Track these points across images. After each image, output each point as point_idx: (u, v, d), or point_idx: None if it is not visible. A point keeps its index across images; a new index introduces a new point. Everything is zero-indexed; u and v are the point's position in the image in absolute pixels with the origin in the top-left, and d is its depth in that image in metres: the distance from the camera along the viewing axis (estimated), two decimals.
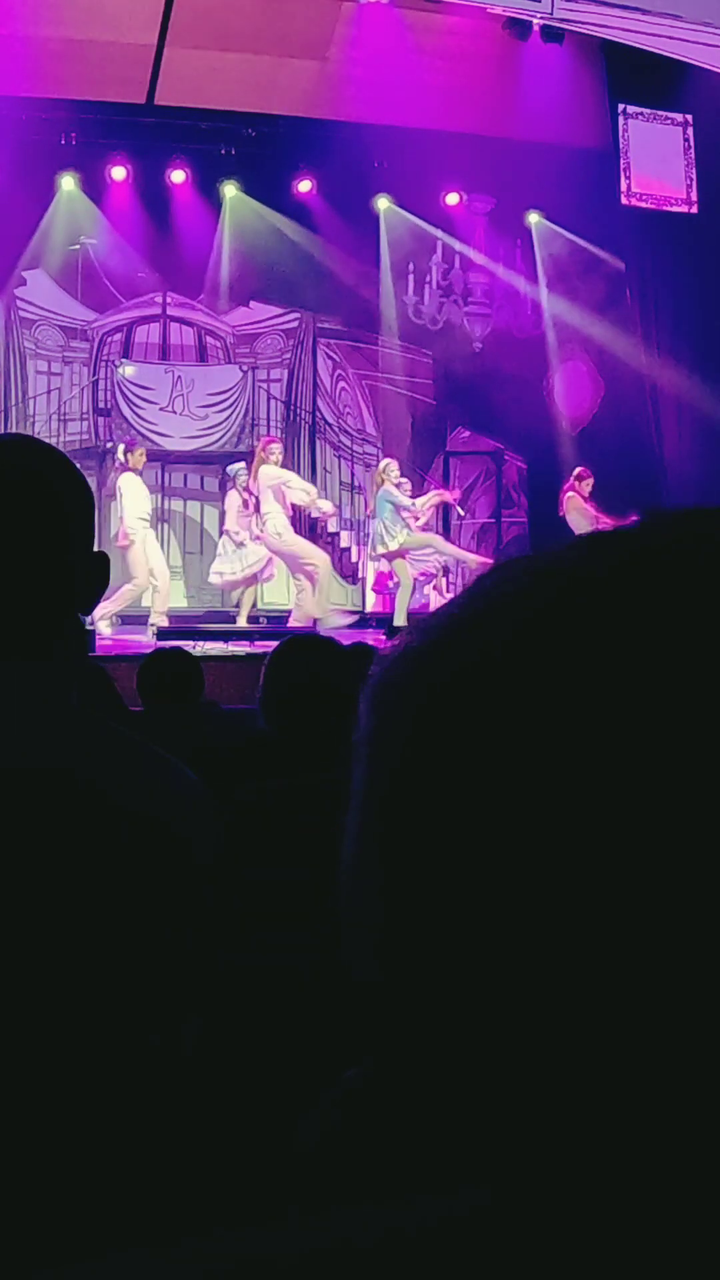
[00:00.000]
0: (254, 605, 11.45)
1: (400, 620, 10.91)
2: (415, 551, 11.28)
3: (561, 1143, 0.42)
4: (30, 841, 1.09)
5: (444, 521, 13.44)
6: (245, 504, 11.25)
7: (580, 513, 10.95)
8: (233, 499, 11.54)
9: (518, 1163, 0.43)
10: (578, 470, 11.42)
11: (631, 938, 0.40)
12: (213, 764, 2.53)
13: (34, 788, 1.12)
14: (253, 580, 11.34)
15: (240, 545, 11.23)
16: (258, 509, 10.96)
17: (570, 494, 11.17)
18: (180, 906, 1.14)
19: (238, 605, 11.55)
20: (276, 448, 11.12)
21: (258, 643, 9.56)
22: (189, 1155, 1.12)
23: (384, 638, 9.77)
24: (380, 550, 11.14)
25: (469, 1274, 0.41)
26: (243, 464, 11.63)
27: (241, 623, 11.20)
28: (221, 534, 11.74)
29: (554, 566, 0.45)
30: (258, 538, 11.05)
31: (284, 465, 11.15)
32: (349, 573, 12.40)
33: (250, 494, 11.16)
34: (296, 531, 11.18)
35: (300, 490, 10.97)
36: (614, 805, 0.40)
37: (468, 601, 0.46)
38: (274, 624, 11.16)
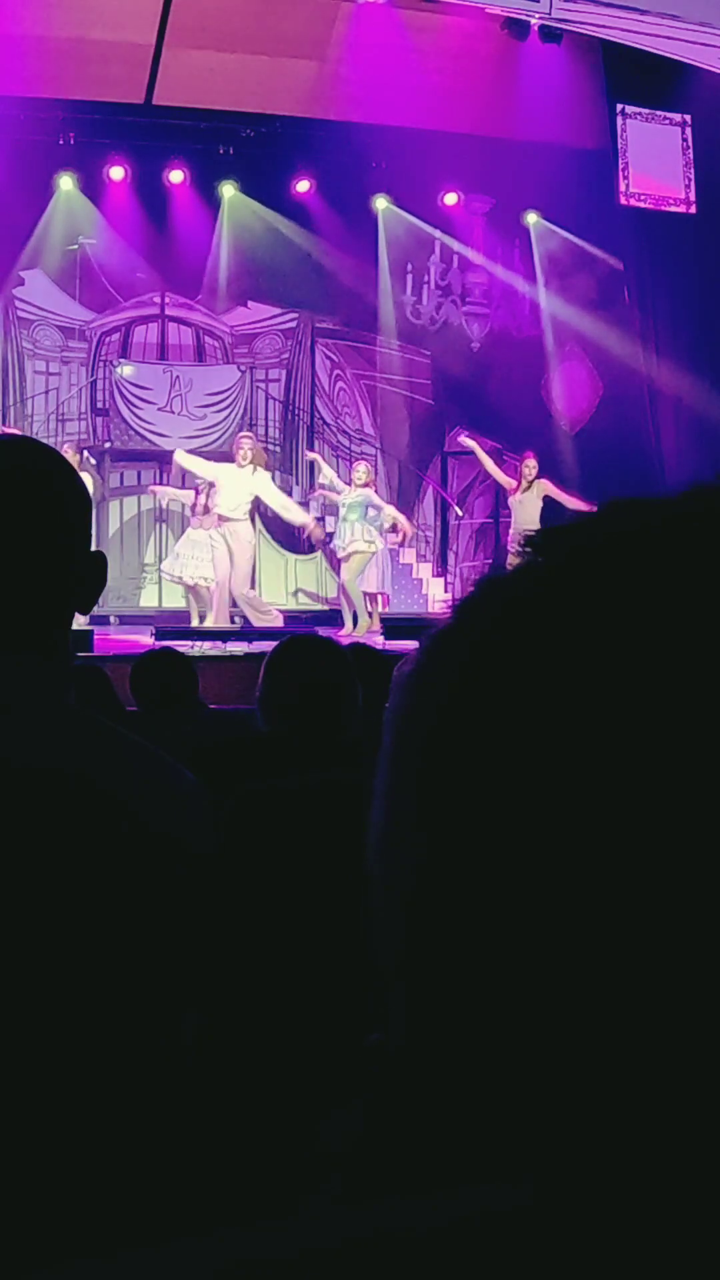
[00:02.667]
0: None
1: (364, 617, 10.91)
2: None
3: (610, 1129, 0.41)
4: (29, 841, 1.09)
5: (443, 522, 13.45)
6: (194, 505, 10.92)
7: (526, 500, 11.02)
8: (187, 496, 11.17)
9: (560, 1152, 0.42)
10: (524, 455, 11.44)
11: (674, 898, 0.39)
12: (211, 764, 2.53)
13: (32, 787, 1.12)
14: (193, 590, 10.90)
15: (195, 545, 10.79)
16: (206, 509, 10.72)
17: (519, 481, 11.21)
18: (179, 906, 1.14)
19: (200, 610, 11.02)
20: (247, 443, 10.80)
21: (256, 643, 9.54)
22: (189, 1154, 1.12)
23: (381, 639, 9.77)
24: (360, 548, 10.83)
25: (488, 1274, 0.40)
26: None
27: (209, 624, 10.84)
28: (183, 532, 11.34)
29: (580, 531, 0.47)
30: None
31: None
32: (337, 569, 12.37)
33: (200, 491, 10.85)
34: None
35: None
36: (643, 762, 0.40)
37: (500, 572, 0.47)
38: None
